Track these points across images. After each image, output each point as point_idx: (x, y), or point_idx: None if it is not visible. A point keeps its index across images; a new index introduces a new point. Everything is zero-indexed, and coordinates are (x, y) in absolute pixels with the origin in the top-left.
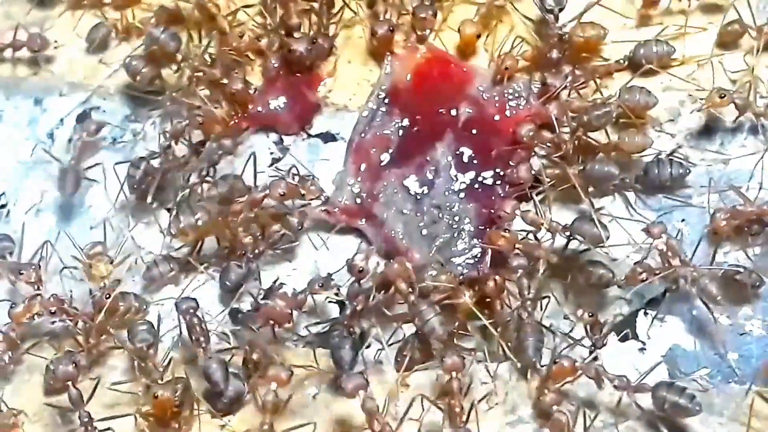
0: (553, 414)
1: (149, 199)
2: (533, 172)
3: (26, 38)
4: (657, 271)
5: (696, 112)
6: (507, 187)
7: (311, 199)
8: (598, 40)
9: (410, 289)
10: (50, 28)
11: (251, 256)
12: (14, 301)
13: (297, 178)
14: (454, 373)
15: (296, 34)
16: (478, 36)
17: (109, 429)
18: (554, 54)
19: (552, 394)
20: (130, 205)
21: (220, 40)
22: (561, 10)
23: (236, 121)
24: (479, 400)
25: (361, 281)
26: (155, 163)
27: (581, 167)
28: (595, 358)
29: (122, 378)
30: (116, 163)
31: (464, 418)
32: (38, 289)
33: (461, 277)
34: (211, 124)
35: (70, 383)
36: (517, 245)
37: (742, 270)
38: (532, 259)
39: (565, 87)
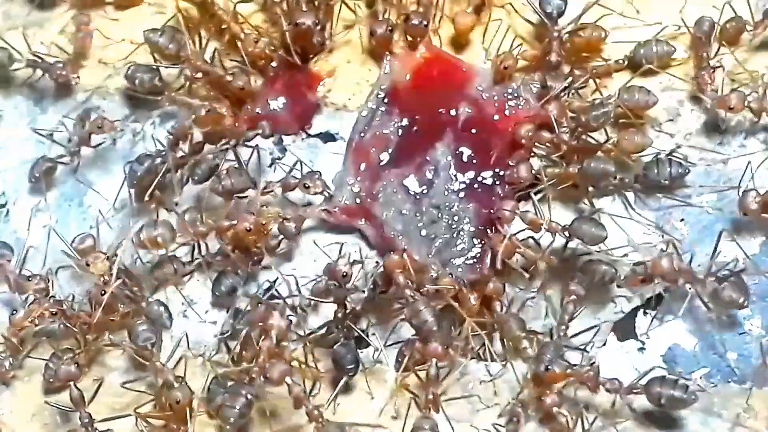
0: (554, 415)
1: (146, 197)
2: (533, 172)
3: (51, 64)
4: None
5: (698, 111)
6: (506, 186)
7: (316, 193)
8: (598, 41)
9: (408, 282)
10: (49, 29)
11: (250, 262)
12: (14, 306)
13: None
14: (434, 360)
15: (303, 7)
16: (472, 27)
17: (109, 430)
18: (553, 57)
19: (553, 396)
20: (130, 206)
21: (229, 44)
22: (560, 15)
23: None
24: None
25: (346, 285)
26: (159, 161)
27: (579, 166)
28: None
29: (123, 378)
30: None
31: (437, 406)
32: (41, 299)
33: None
34: (216, 120)
35: (72, 383)
36: (517, 251)
37: (731, 279)
38: (532, 262)
39: (565, 89)
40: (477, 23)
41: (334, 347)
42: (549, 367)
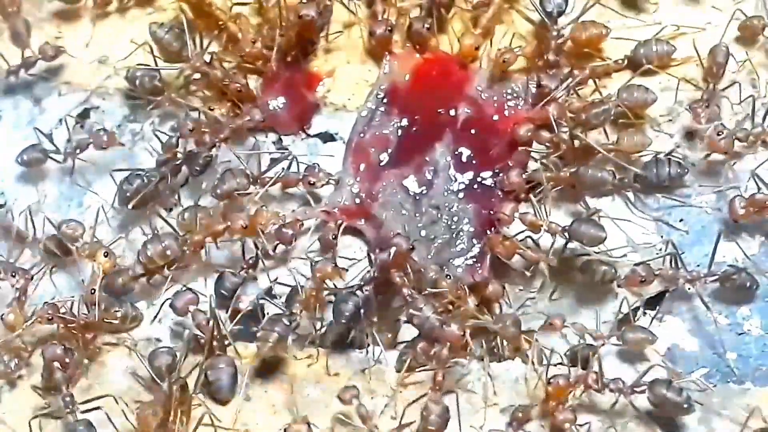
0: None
1: (130, 206)
2: (529, 175)
3: (38, 51)
4: (656, 273)
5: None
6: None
7: (323, 186)
8: (599, 39)
9: (406, 281)
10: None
11: (246, 266)
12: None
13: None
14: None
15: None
16: (477, 47)
17: (98, 408)
18: (551, 55)
19: (566, 413)
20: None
21: (227, 44)
22: (560, 14)
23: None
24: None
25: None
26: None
27: (574, 169)
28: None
29: (123, 378)
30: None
31: (444, 388)
32: (21, 297)
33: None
34: (201, 132)
35: (57, 364)
36: (517, 251)
37: (739, 272)
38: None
39: (560, 89)
40: (482, 43)
41: (339, 298)
42: (552, 380)
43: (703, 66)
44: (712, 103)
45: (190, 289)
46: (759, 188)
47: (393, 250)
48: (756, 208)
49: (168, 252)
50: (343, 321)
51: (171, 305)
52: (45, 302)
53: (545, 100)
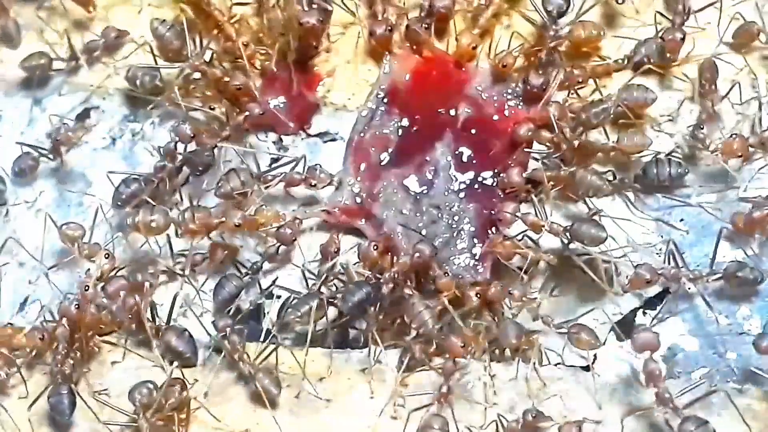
0: None
1: (127, 209)
2: (529, 175)
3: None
4: (659, 272)
5: (698, 111)
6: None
7: (323, 187)
8: (596, 39)
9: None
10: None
11: (248, 270)
12: None
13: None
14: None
15: (305, 7)
16: (475, 47)
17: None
18: (544, 55)
19: None
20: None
21: (224, 46)
22: (561, 14)
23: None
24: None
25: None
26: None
27: (572, 170)
28: None
29: (123, 376)
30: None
31: (450, 401)
32: None
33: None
34: (201, 134)
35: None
36: (517, 251)
37: (742, 267)
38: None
39: (551, 87)
40: (480, 43)
41: (354, 285)
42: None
43: (694, 83)
44: (711, 120)
45: (122, 276)
46: (758, 203)
47: (416, 255)
48: (757, 224)
49: (153, 225)
50: (349, 306)
51: (102, 289)
52: (33, 326)
53: (543, 100)
